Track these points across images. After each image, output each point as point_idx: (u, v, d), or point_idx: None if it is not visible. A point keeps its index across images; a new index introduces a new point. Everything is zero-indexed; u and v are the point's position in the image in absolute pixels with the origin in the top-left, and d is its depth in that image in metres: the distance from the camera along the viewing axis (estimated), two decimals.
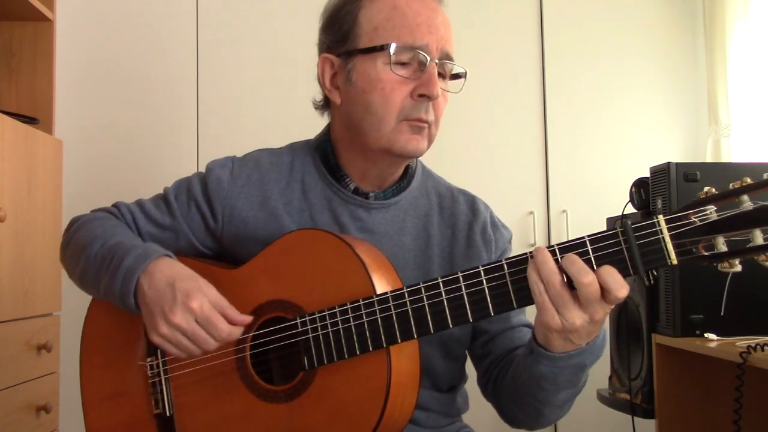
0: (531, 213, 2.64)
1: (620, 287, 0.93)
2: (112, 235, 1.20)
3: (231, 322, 1.08)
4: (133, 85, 2.63)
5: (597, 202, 2.59)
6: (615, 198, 2.24)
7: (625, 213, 2.12)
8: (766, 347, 1.55)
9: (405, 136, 1.16)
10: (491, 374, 1.24)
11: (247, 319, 1.10)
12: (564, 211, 2.65)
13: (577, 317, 0.95)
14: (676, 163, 1.93)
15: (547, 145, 2.68)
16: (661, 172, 1.95)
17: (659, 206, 1.96)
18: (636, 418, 2.05)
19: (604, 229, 2.33)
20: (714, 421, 1.93)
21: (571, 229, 2.63)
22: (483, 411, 1.36)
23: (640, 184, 2.08)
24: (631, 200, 2.11)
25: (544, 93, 2.70)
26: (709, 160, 2.55)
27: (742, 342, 1.66)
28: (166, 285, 1.08)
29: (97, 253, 1.18)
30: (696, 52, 2.73)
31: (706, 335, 1.83)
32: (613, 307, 0.96)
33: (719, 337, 1.81)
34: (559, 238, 2.64)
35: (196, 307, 1.06)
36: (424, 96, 1.14)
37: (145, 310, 1.10)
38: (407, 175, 1.28)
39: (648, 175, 2.04)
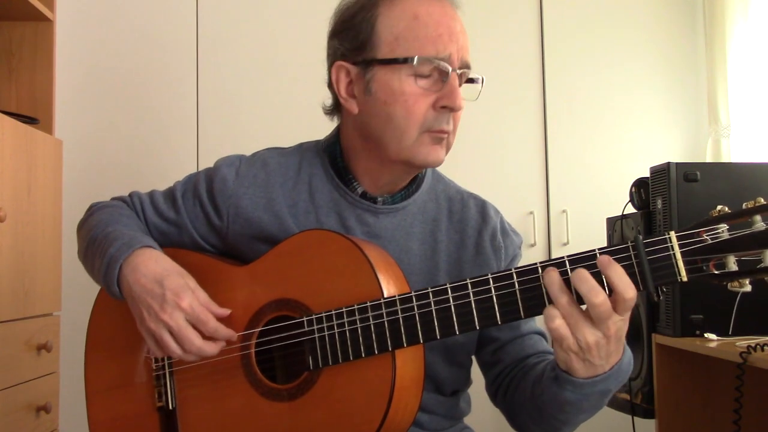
0: (531, 213, 2.65)
1: (627, 288, 0.92)
2: (113, 222, 1.22)
3: (216, 316, 1.11)
4: (133, 85, 2.63)
5: (597, 202, 2.59)
6: (615, 198, 2.24)
7: (625, 213, 2.12)
8: (766, 347, 1.55)
9: (426, 148, 1.15)
10: (502, 382, 1.23)
11: (227, 311, 1.12)
12: (564, 211, 2.65)
13: (589, 334, 0.94)
14: (676, 163, 1.93)
15: (547, 145, 2.68)
16: (661, 172, 1.95)
17: (659, 206, 1.96)
18: (636, 418, 2.05)
19: (605, 229, 2.35)
20: (714, 421, 1.93)
21: (571, 229, 2.64)
22: (484, 413, 1.36)
23: (640, 184, 2.08)
24: (631, 200, 2.11)
25: (544, 93, 2.70)
26: (709, 160, 2.55)
27: (742, 342, 1.66)
28: (153, 281, 1.10)
29: (96, 237, 1.20)
30: (696, 52, 2.73)
31: (706, 335, 1.84)
32: (626, 318, 0.95)
33: (719, 337, 1.81)
34: (559, 238, 2.64)
35: (186, 306, 1.08)
36: (446, 107, 1.13)
37: (131, 302, 1.13)
38: (416, 179, 1.26)
39: (648, 175, 2.04)
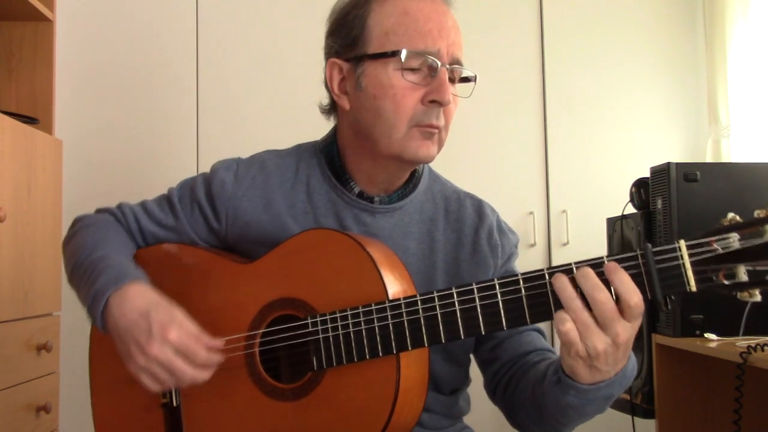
0: (531, 213, 2.65)
1: (632, 294, 0.91)
2: (101, 246, 1.19)
3: (208, 347, 1.09)
4: (133, 85, 2.63)
5: (597, 202, 2.59)
6: (615, 198, 2.24)
7: (625, 213, 2.12)
8: (766, 347, 1.55)
9: (416, 143, 1.14)
10: (501, 380, 1.22)
11: (221, 343, 1.10)
12: (564, 211, 2.65)
13: (599, 341, 0.92)
14: (676, 163, 1.93)
15: (547, 145, 2.68)
16: (661, 172, 1.95)
17: (659, 206, 1.96)
18: (636, 418, 2.05)
19: (605, 229, 2.35)
20: (714, 421, 1.93)
21: (571, 229, 2.64)
22: (484, 412, 1.36)
23: (640, 184, 2.08)
24: (631, 200, 2.11)
25: (544, 93, 2.70)
26: (709, 160, 2.55)
27: (742, 342, 1.66)
28: (139, 316, 1.07)
29: (82, 262, 1.18)
30: (696, 52, 2.73)
31: (706, 335, 1.84)
32: (635, 325, 0.93)
33: (719, 337, 1.81)
34: (559, 238, 2.64)
35: (174, 338, 1.05)
36: (435, 102, 1.13)
37: (117, 338, 1.10)
38: (413, 179, 1.26)
39: (648, 175, 2.04)
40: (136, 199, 1.34)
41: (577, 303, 0.92)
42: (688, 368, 1.93)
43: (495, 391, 1.24)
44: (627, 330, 0.93)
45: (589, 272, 0.92)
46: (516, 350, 1.21)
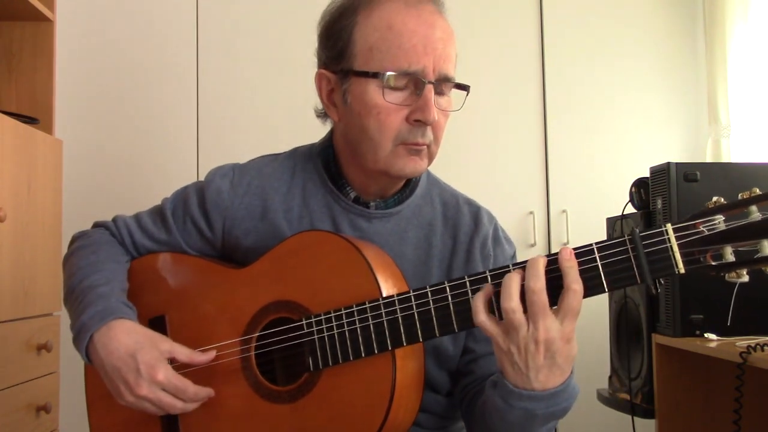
0: (531, 213, 2.64)
1: (572, 281, 0.92)
2: (93, 272, 1.20)
3: (196, 363, 1.14)
4: (133, 84, 2.63)
5: (597, 202, 2.59)
6: (615, 198, 2.24)
7: (625, 213, 2.12)
8: (766, 347, 1.55)
9: (403, 160, 1.13)
10: (468, 392, 1.22)
11: (211, 355, 1.14)
12: (564, 211, 2.65)
13: (521, 338, 0.94)
14: (676, 163, 1.93)
15: (547, 145, 2.68)
16: (661, 172, 1.95)
17: (659, 206, 1.96)
18: (636, 418, 2.05)
19: (605, 229, 2.35)
20: (714, 421, 1.93)
21: (571, 229, 2.64)
22: None
23: (640, 184, 2.08)
24: (631, 200, 2.11)
25: (544, 93, 2.70)
26: (709, 160, 2.55)
27: (742, 342, 1.66)
28: (127, 356, 1.10)
29: (73, 288, 1.20)
30: (696, 52, 2.73)
31: (706, 335, 1.84)
32: (566, 328, 0.93)
33: (719, 337, 1.81)
34: (558, 238, 2.64)
35: (163, 379, 1.10)
36: (420, 121, 1.11)
37: (103, 374, 1.13)
38: (410, 183, 1.25)
39: (648, 175, 2.04)
40: (135, 198, 1.34)
41: (509, 304, 0.93)
42: (688, 368, 1.93)
43: (462, 401, 1.23)
44: (551, 330, 0.93)
45: (538, 263, 0.94)
46: (490, 369, 1.19)
